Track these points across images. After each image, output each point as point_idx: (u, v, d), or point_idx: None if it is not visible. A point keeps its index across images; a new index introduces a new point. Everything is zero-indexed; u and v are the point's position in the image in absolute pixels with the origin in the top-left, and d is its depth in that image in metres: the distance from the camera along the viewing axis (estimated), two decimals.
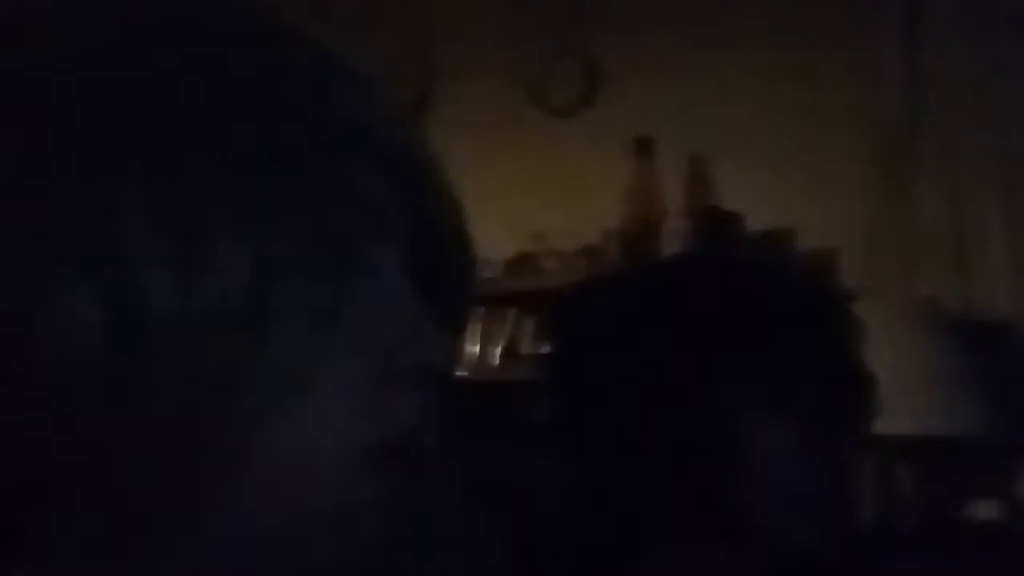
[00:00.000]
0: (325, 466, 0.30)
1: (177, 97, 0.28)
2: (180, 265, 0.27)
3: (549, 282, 2.17)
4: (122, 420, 0.27)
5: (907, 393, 1.40)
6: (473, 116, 2.40)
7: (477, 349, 2.27)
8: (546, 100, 2.39)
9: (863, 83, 1.82)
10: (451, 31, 2.48)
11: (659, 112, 2.13)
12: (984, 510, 1.36)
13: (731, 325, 0.67)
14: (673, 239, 1.91)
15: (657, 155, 2.02)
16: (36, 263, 0.26)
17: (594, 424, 0.71)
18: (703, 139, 2.03)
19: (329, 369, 0.30)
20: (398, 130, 0.33)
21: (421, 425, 0.32)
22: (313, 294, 0.29)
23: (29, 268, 0.26)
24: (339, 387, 0.30)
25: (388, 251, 0.32)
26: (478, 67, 2.44)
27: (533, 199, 2.35)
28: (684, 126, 2.07)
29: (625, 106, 2.22)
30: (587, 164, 2.26)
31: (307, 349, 0.29)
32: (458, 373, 2.42)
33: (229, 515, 0.29)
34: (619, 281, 0.79)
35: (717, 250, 0.80)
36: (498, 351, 2.26)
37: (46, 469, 0.27)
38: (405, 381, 0.31)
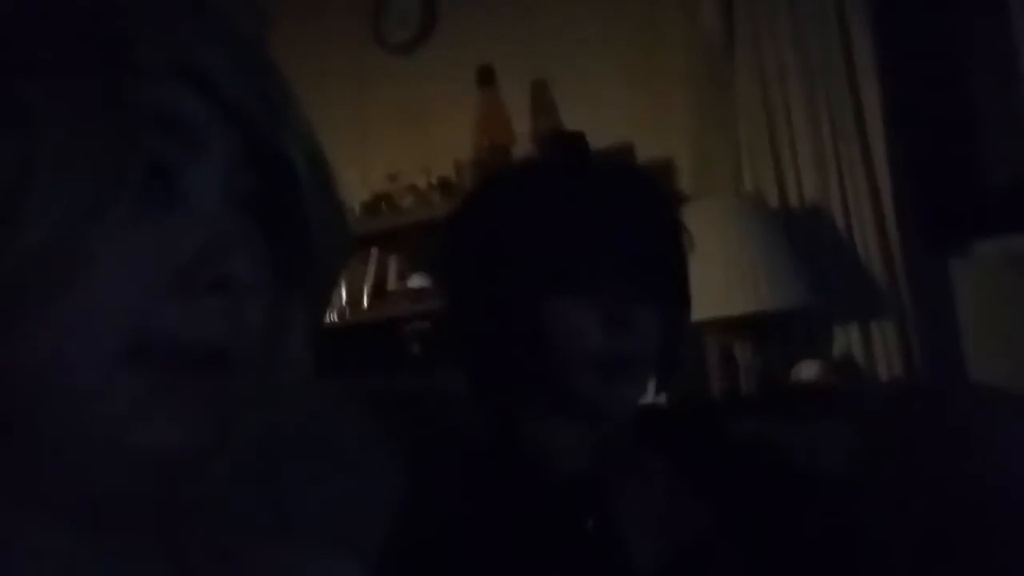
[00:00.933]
0: (78, 361, 0.31)
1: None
2: None
3: (407, 219, 2.21)
4: None
5: (739, 278, 1.57)
6: (313, 61, 2.36)
7: (344, 293, 2.29)
8: (385, 39, 2.39)
9: (687, 5, 1.95)
10: None
11: (498, 41, 2.19)
12: (806, 371, 1.56)
13: (563, 217, 0.73)
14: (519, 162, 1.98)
15: (499, 84, 2.08)
16: None
17: (467, 325, 0.77)
18: (542, 65, 2.11)
19: (92, 269, 0.31)
20: (239, 62, 0.33)
21: (214, 332, 0.32)
22: (75, 195, 0.30)
23: None
24: (104, 287, 0.31)
25: (199, 172, 0.33)
26: (314, 12, 2.39)
27: (383, 139, 2.36)
28: (523, 54, 2.14)
29: (464, 38, 2.26)
30: (433, 99, 2.29)
31: (66, 246, 0.30)
32: (328, 319, 2.41)
33: None
34: (482, 196, 0.82)
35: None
36: (366, 292, 2.29)
37: None
38: (196, 292, 0.32)
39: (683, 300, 0.80)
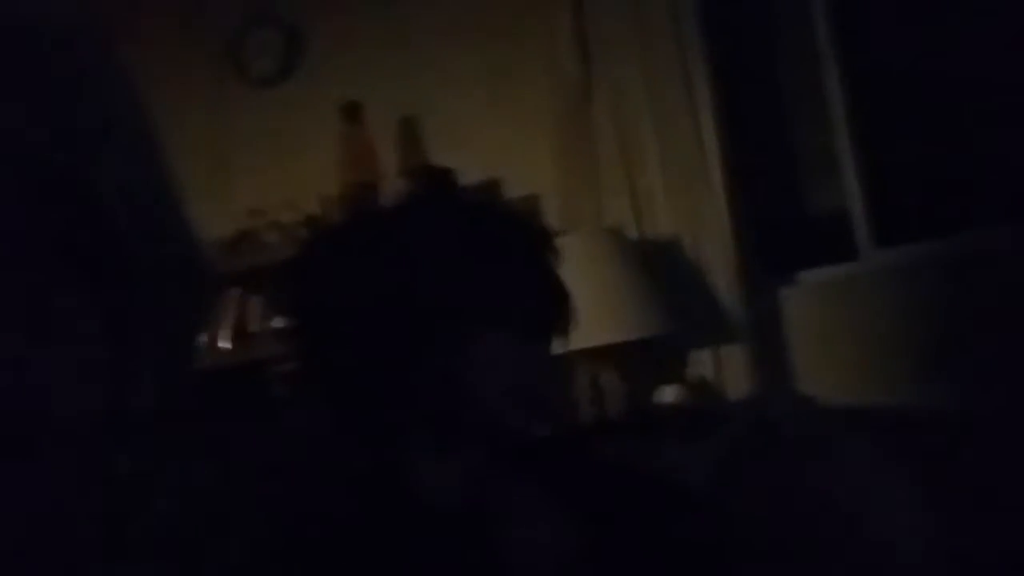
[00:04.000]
0: None
1: None
2: None
3: (273, 257, 2.24)
4: None
5: (602, 309, 1.73)
6: (173, 91, 2.35)
7: (204, 335, 2.28)
8: (248, 71, 2.42)
9: (545, 44, 2.12)
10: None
11: (364, 78, 2.28)
12: (667, 394, 1.74)
13: (450, 258, 0.80)
14: (392, 200, 2.08)
15: (368, 119, 2.17)
16: None
17: (340, 364, 0.82)
18: (411, 101, 2.23)
19: None
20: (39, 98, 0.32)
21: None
22: None
23: None
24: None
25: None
26: (171, 41, 2.40)
27: (246, 173, 2.39)
28: (392, 90, 2.25)
29: (331, 72, 2.34)
30: (299, 133, 2.35)
31: None
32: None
33: None
34: (344, 233, 0.88)
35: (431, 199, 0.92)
36: (227, 334, 2.29)
37: None
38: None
39: (566, 333, 0.87)
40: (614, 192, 2.01)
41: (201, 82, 2.42)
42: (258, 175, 2.38)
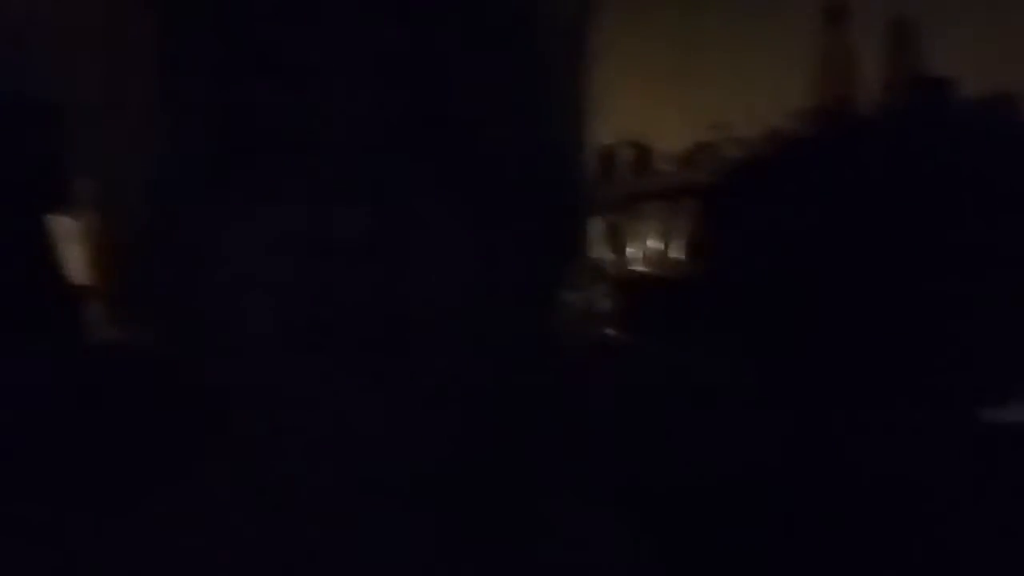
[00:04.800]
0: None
1: None
2: None
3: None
4: None
5: None
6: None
7: (660, 244, 2.37)
8: None
9: None
10: None
11: None
12: None
13: (943, 190, 0.69)
14: (873, 114, 1.88)
15: (851, 23, 1.97)
16: None
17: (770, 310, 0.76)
18: (904, 2, 1.96)
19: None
20: None
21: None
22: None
23: None
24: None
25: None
26: None
27: (710, 84, 2.35)
28: None
29: None
30: (770, 40, 2.23)
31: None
32: (641, 269, 2.51)
33: None
34: (809, 149, 0.77)
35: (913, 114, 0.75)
36: (681, 245, 2.34)
37: None
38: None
39: None
40: None
41: None
42: (722, 85, 2.33)
